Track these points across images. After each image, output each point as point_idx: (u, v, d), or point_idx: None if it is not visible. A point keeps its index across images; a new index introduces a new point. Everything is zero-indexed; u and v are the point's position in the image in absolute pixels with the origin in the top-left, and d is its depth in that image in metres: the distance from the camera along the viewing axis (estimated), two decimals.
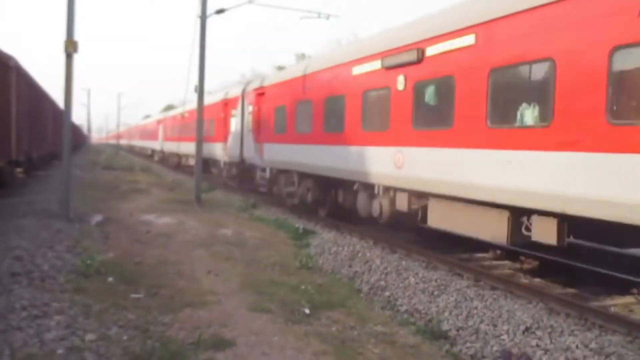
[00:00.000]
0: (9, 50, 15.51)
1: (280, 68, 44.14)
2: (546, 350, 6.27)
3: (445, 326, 7.27)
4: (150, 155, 54.51)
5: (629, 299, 8.17)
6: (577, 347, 6.24)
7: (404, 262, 10.12)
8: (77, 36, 12.88)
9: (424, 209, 10.34)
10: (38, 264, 8.05)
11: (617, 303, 8.02)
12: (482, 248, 11.22)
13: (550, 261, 9.90)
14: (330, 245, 11.97)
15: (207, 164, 25.87)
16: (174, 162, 38.57)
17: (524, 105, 7.82)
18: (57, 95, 29.01)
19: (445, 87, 9.41)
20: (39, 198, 15.42)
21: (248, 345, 5.91)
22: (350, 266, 10.43)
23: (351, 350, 6.08)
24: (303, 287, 8.66)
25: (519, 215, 8.21)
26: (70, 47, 12.75)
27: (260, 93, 18.58)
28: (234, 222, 14.60)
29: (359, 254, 10.98)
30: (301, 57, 51.50)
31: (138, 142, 67.70)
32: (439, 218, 9.93)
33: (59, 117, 29.00)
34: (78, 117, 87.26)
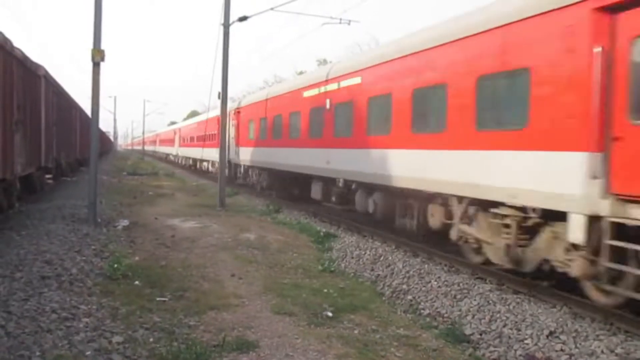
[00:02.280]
0: (36, 58, 15.91)
1: (301, 73, 44.34)
2: (571, 355, 6.22)
3: (468, 330, 7.24)
4: (174, 161, 58.26)
5: None
6: (602, 351, 6.18)
7: (426, 266, 10.11)
8: (104, 44, 13.17)
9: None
10: (67, 267, 8.25)
11: None
12: None
13: None
14: (353, 248, 12.01)
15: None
16: (188, 164, 45.82)
17: (387, 119, 12.06)
18: (83, 101, 29.59)
19: (348, 108, 14.11)
20: (68, 203, 15.74)
21: (271, 347, 5.98)
22: (372, 270, 10.46)
23: (373, 353, 6.11)
24: (325, 290, 8.71)
25: None
26: (98, 56, 13.02)
27: (238, 111, 25.87)
28: (257, 225, 14.72)
29: (381, 258, 11.00)
30: (322, 62, 51.69)
31: (159, 148, 75.04)
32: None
33: (86, 124, 29.59)
34: (104, 123, 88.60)
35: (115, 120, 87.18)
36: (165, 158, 66.80)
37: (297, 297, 8.06)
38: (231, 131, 26.43)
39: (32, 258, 8.50)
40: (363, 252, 11.60)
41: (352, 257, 11.42)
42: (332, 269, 10.34)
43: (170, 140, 60.51)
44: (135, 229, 13.22)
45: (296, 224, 15.59)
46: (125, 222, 13.66)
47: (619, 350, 6.15)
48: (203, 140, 34.60)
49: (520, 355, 6.40)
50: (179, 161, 52.04)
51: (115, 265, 8.59)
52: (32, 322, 5.90)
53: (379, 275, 10.11)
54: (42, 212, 13.85)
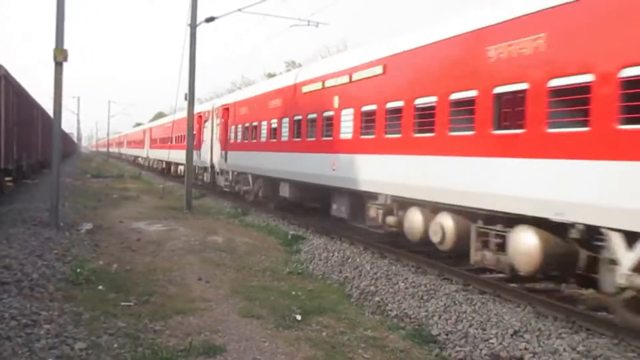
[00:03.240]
0: None
1: (271, 75, 44.28)
2: (534, 354, 6.34)
3: (434, 330, 7.32)
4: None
5: None
6: (564, 349, 6.32)
7: (393, 267, 10.19)
8: (67, 43, 12.87)
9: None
10: (27, 272, 8.02)
11: (604, 306, 8.10)
12: None
13: None
14: (321, 250, 12.02)
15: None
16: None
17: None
18: (45, 102, 28.91)
19: None
20: (29, 207, 15.34)
21: (239, 351, 5.92)
22: (340, 272, 10.48)
23: (341, 355, 6.11)
24: (294, 292, 8.69)
25: None
26: (60, 55, 12.72)
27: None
28: (225, 228, 14.60)
29: (349, 260, 11.03)
30: (291, 64, 51.73)
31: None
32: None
33: (48, 125, 28.87)
34: (67, 124, 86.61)
35: (78, 121, 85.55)
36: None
37: (265, 300, 8.02)
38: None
39: None
40: (331, 254, 11.61)
41: (320, 259, 11.43)
42: (300, 271, 10.32)
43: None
44: (99, 232, 12.95)
45: (264, 226, 15.53)
46: (89, 226, 13.37)
47: (580, 348, 6.30)
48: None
49: (485, 354, 6.50)
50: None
51: (78, 270, 8.41)
52: None
53: (347, 277, 10.14)
54: (2, 215, 13.46)
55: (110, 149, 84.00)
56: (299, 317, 7.29)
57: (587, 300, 8.41)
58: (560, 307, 7.59)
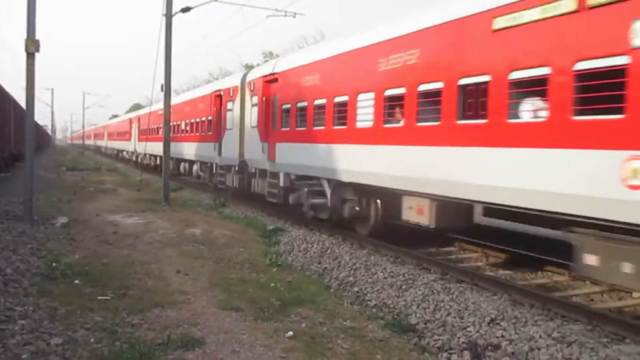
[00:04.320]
0: None
1: (249, 67, 43.93)
2: (511, 341, 6.42)
3: (413, 319, 7.38)
4: None
5: (590, 289, 8.44)
6: (540, 336, 6.41)
7: (372, 258, 10.23)
8: (39, 33, 12.60)
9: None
10: (0, 267, 7.88)
11: (578, 293, 8.27)
12: (449, 243, 11.43)
13: (515, 253, 10.11)
14: (300, 242, 12.02)
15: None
16: None
17: None
18: (18, 93, 28.29)
19: None
20: (2, 200, 15.06)
21: (218, 344, 5.90)
22: (319, 263, 10.50)
23: (321, 346, 6.13)
24: (273, 284, 8.68)
25: None
26: (32, 46, 12.46)
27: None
28: (203, 220, 14.50)
29: (328, 251, 11.05)
30: (268, 55, 51.44)
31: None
32: None
33: (20, 117, 28.29)
34: (41, 117, 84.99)
35: (52, 113, 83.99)
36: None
37: (244, 292, 8.00)
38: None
39: None
40: (310, 246, 11.62)
41: (300, 251, 11.43)
42: (279, 263, 10.31)
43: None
44: (75, 226, 12.77)
45: (243, 218, 15.47)
46: (64, 219, 13.17)
47: (555, 334, 6.40)
48: None
49: (463, 342, 6.56)
50: None
51: (54, 264, 8.29)
52: None
53: (325, 268, 10.16)
54: None
55: (95, 142, 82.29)
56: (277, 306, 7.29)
57: (563, 288, 8.57)
58: (536, 294, 7.72)
